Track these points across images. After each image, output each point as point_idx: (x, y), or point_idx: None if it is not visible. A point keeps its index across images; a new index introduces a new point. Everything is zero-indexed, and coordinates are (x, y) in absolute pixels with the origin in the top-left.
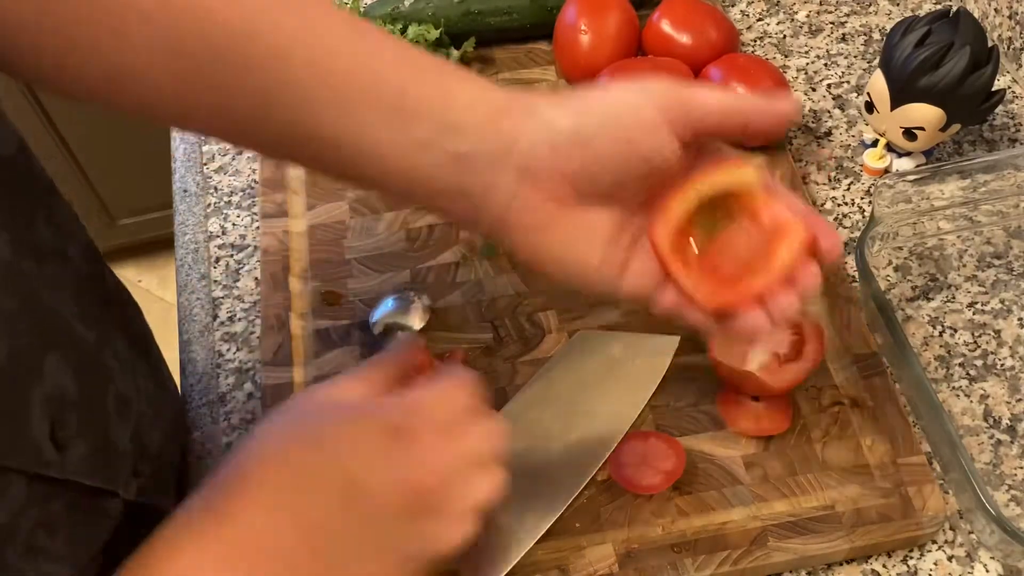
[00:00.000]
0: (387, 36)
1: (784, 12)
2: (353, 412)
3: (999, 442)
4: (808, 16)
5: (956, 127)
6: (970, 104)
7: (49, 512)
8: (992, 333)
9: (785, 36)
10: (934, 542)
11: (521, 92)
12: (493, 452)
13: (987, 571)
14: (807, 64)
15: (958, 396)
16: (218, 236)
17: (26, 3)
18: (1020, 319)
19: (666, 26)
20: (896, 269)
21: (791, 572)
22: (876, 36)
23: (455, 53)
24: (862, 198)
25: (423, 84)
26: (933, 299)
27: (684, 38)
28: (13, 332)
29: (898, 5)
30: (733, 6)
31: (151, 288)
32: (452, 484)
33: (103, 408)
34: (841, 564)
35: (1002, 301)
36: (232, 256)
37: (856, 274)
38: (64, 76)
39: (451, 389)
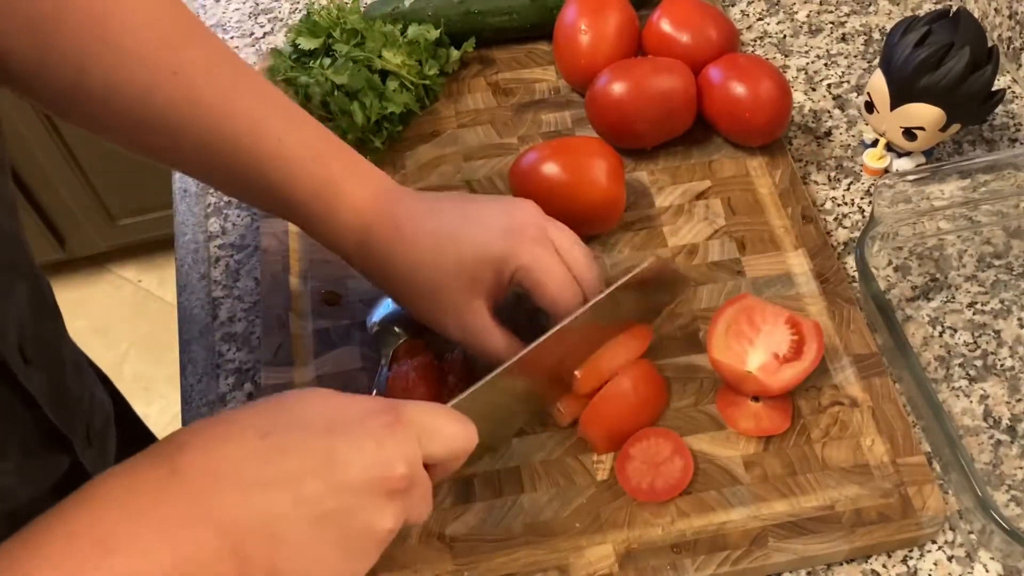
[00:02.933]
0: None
1: (784, 12)
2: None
3: (999, 442)
4: (808, 16)
5: (956, 127)
6: (970, 104)
7: (4, 433)
8: (992, 333)
9: (785, 36)
10: (934, 542)
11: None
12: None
13: (987, 571)
14: (807, 64)
15: (958, 396)
16: (218, 236)
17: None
18: (1020, 319)
19: (666, 26)
20: (896, 269)
21: (791, 572)
22: (876, 36)
23: (455, 53)
24: (862, 198)
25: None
26: (933, 299)
27: (684, 38)
28: (3, 241)
29: (898, 5)
30: (733, 6)
31: (151, 288)
32: (417, 484)
33: (59, 356)
34: (841, 564)
35: (1002, 301)
36: (232, 256)
37: (856, 274)
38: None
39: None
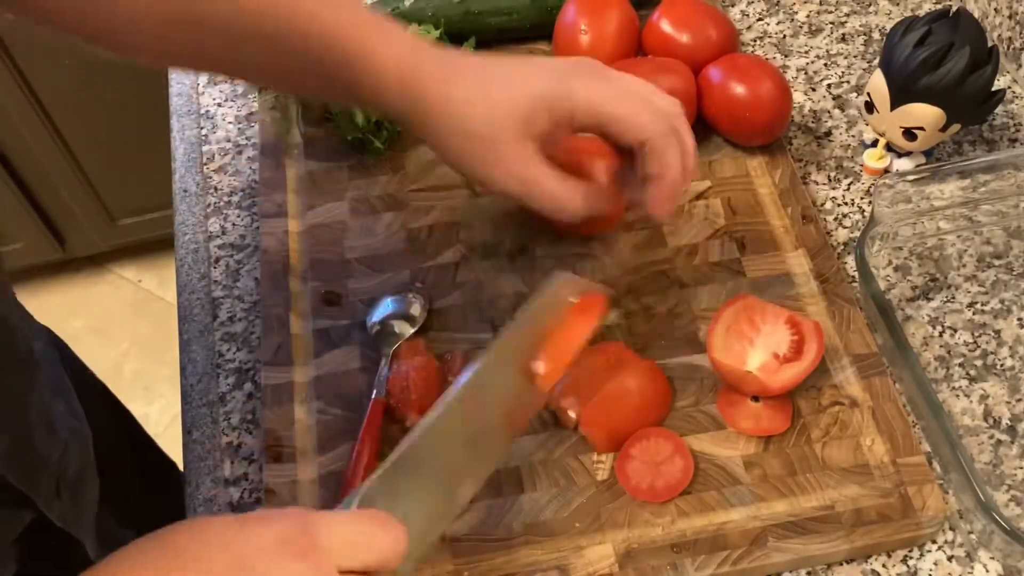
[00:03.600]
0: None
1: (784, 12)
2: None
3: (999, 442)
4: (808, 16)
5: (956, 127)
6: (970, 104)
7: None
8: (992, 333)
9: (785, 36)
10: (934, 542)
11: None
12: None
13: (987, 571)
14: (807, 64)
15: (958, 396)
16: (218, 236)
17: None
18: (1020, 319)
19: (666, 26)
20: (896, 269)
21: (791, 572)
22: (876, 36)
23: None
24: (862, 198)
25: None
26: (933, 299)
27: (684, 38)
28: None
29: (898, 5)
30: (733, 6)
31: (151, 288)
32: None
33: (24, 414)
34: (841, 564)
35: (1002, 301)
36: (232, 256)
37: (856, 274)
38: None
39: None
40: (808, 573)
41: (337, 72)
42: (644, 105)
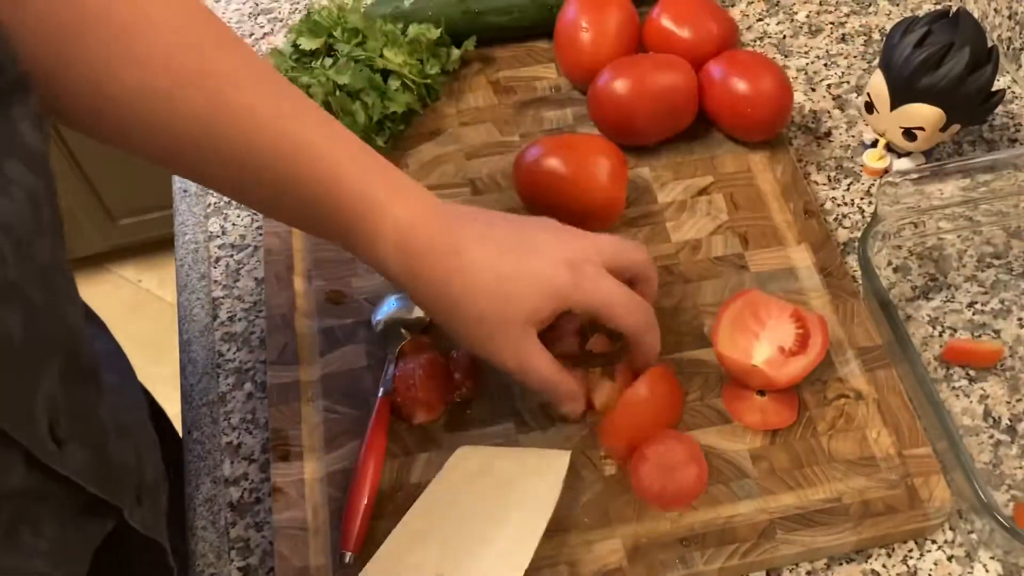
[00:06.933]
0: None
1: (784, 12)
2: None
3: (999, 442)
4: (808, 16)
5: (956, 127)
6: (970, 104)
7: (37, 511)
8: (992, 333)
9: (785, 36)
10: (934, 542)
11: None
12: None
13: (987, 571)
14: (807, 64)
15: (958, 396)
16: (218, 236)
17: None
18: (1020, 319)
19: (666, 22)
20: (896, 269)
21: (792, 569)
22: (876, 36)
23: (456, 52)
24: (862, 198)
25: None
26: (933, 299)
27: (684, 34)
28: (35, 318)
29: (898, 5)
30: (733, 6)
31: (151, 288)
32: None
33: (98, 423)
34: (841, 564)
35: (1002, 301)
36: (232, 256)
37: (856, 273)
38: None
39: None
40: (808, 573)
41: (335, 224)
42: (634, 304)
